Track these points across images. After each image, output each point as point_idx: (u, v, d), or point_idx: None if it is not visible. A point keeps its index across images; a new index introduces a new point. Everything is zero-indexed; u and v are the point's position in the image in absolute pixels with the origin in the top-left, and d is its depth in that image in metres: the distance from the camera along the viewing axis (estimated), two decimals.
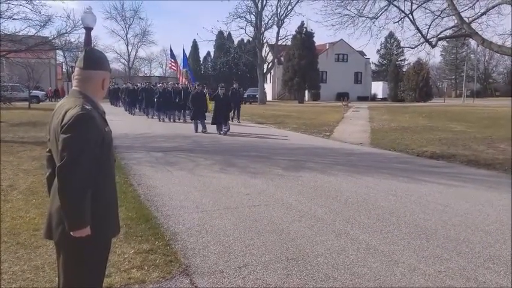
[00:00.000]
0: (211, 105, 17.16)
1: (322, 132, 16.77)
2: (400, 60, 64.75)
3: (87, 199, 2.21)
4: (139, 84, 28.55)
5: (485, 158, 10.21)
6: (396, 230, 5.00)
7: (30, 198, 6.01)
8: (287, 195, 6.60)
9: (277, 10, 46.40)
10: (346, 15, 15.68)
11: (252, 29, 47.33)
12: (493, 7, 13.31)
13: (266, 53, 49.20)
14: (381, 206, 5.99)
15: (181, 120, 21.37)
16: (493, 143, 12.84)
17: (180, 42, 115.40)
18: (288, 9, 46.14)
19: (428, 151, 11.36)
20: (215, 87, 22.05)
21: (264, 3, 46.05)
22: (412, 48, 15.37)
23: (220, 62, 62.06)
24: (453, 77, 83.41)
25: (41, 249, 4.16)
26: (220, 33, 57.08)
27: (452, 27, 14.89)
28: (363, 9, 15.41)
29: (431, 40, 14.59)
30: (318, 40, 53.61)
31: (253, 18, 46.49)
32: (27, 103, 29.90)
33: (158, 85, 22.96)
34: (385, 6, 14.98)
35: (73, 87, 2.48)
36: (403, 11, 14.66)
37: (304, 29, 50.81)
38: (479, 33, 13.47)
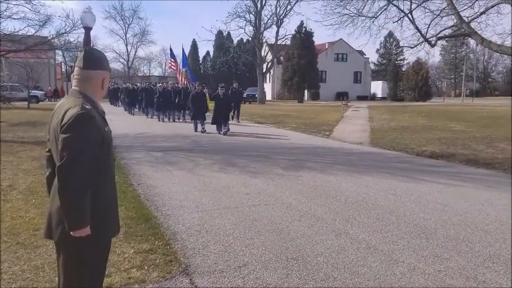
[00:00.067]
0: (211, 105, 17.13)
1: (322, 131, 16.77)
2: (400, 60, 64.80)
3: (87, 199, 2.21)
4: (138, 84, 28.55)
5: (485, 158, 10.22)
6: (396, 229, 5.00)
7: (30, 198, 6.01)
8: (287, 194, 6.60)
9: (276, 10, 46.47)
10: (345, 14, 15.69)
11: (251, 28, 47.37)
12: (492, 6, 13.32)
13: (265, 53, 49.18)
14: (381, 206, 5.99)
15: (180, 120, 21.37)
16: (492, 143, 12.84)
17: (180, 41, 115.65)
18: (287, 8, 46.20)
19: (427, 150, 11.36)
20: (215, 87, 22.07)
21: (263, 2, 46.08)
22: (411, 47, 15.37)
23: (220, 62, 62.01)
24: (452, 76, 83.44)
25: (41, 249, 4.16)
26: (220, 32, 57.06)
27: (452, 26, 14.90)
28: (362, 9, 15.42)
29: (430, 39, 14.59)
30: (318, 40, 53.71)
31: (252, 17, 46.54)
32: (27, 103, 29.88)
33: (158, 85, 22.96)
34: (385, 5, 14.99)
35: (73, 87, 2.48)
36: (402, 11, 14.66)
37: (304, 29, 50.82)
38: (479, 32, 13.47)
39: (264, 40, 48.78)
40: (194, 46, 67.23)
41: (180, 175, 7.98)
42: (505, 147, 11.77)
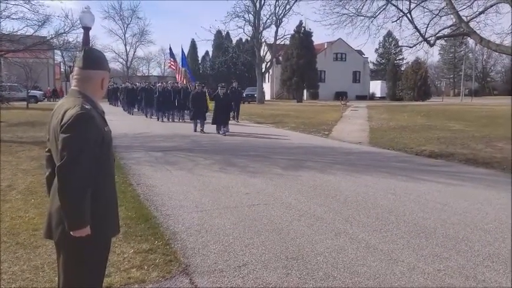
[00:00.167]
0: (211, 105, 17.10)
1: (321, 131, 16.78)
2: (399, 59, 64.86)
3: (87, 199, 2.21)
4: (138, 84, 28.53)
5: (484, 157, 10.23)
6: (395, 228, 5.01)
7: (29, 198, 6.01)
8: (286, 194, 6.60)
9: (275, 9, 46.35)
10: (344, 14, 15.73)
11: (250, 28, 47.27)
12: (491, 6, 13.35)
13: (264, 53, 49.15)
14: (380, 205, 6.00)
15: (180, 121, 21.32)
16: (491, 142, 12.86)
17: (179, 41, 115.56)
18: (286, 8, 46.07)
19: (426, 150, 11.37)
20: (214, 86, 22.03)
21: (262, 2, 45.99)
22: (410, 47, 15.41)
23: (219, 62, 62.02)
24: (451, 75, 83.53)
25: (41, 249, 4.16)
26: (219, 32, 57.05)
27: (451, 26, 14.93)
28: (361, 9, 15.45)
29: (429, 39, 14.62)
30: (316, 39, 53.70)
31: (251, 17, 46.45)
32: (25, 103, 29.85)
33: (158, 84, 22.95)
34: (384, 5, 15.02)
35: (72, 87, 2.48)
36: (401, 10, 14.69)
37: (303, 29, 50.79)
38: (478, 32, 13.50)
39: (263, 40, 48.73)
40: (193, 46, 67.21)
41: (179, 175, 7.98)
42: (504, 147, 11.79)
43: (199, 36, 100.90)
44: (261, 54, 47.71)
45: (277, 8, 46.14)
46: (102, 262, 2.49)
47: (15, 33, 16.20)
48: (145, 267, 3.83)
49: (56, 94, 46.90)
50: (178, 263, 3.95)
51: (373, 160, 10.10)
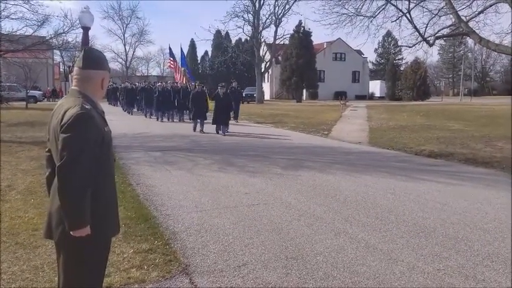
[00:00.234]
0: (211, 105, 17.07)
1: (321, 131, 16.78)
2: (398, 59, 64.88)
3: (87, 198, 2.22)
4: (137, 84, 28.51)
5: (483, 157, 10.24)
6: (395, 228, 5.01)
7: (29, 198, 6.01)
8: (286, 194, 6.60)
9: (274, 9, 46.38)
10: (343, 14, 15.72)
11: (249, 28, 47.28)
12: (490, 6, 13.36)
13: (264, 52, 49.16)
14: (380, 205, 6.00)
15: (180, 121, 21.27)
16: (490, 142, 12.87)
17: (178, 41, 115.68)
18: (286, 8, 46.05)
19: (426, 150, 11.38)
20: (213, 86, 22.00)
21: (262, 2, 46.02)
22: (409, 47, 15.41)
23: (218, 62, 62.00)
24: (451, 75, 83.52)
25: (40, 249, 4.16)
26: (218, 32, 57.04)
27: (450, 26, 14.93)
28: (361, 8, 15.45)
29: (428, 39, 14.62)
30: (316, 39, 53.72)
31: (250, 17, 46.45)
32: (25, 103, 29.83)
33: (157, 84, 22.94)
34: (383, 5, 15.02)
35: (72, 87, 2.48)
36: (400, 10, 14.70)
37: (302, 28, 50.77)
38: (477, 31, 13.51)
39: (262, 40, 48.75)
40: (192, 46, 67.23)
41: (179, 175, 7.98)
42: (503, 146, 11.80)
43: (199, 36, 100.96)
44: (260, 54, 47.73)
45: (277, 8, 46.20)
46: (102, 262, 2.49)
47: (14, 33, 16.21)
48: (145, 267, 3.83)
49: (55, 94, 46.90)
50: (178, 263, 3.95)
51: (373, 160, 10.11)
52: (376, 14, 15.29)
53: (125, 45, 71.27)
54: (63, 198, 2.19)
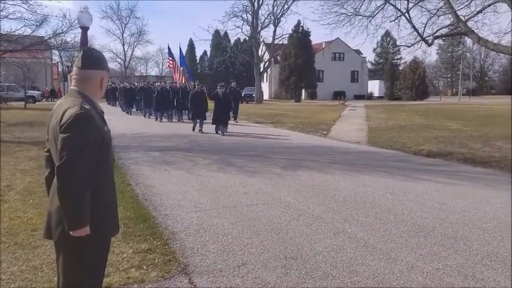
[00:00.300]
0: (211, 105, 17.05)
1: (319, 131, 16.79)
2: (397, 59, 64.91)
3: (86, 198, 2.21)
4: (136, 84, 28.47)
5: (482, 156, 10.25)
6: (394, 228, 5.01)
7: (28, 199, 6.00)
8: (285, 194, 6.60)
9: (273, 9, 46.41)
10: (342, 14, 15.74)
11: (248, 28, 47.29)
12: (489, 5, 13.38)
13: (263, 52, 49.17)
14: (379, 205, 6.01)
15: (179, 121, 21.26)
16: (489, 141, 12.89)
17: (177, 41, 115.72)
18: (285, 8, 46.10)
19: (425, 149, 11.39)
20: (212, 86, 21.97)
21: (261, 2, 46.02)
22: (408, 46, 15.45)
23: (217, 61, 61.95)
24: (449, 75, 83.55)
25: (39, 250, 4.16)
26: (217, 32, 57.09)
27: (449, 25, 14.95)
28: (360, 8, 15.47)
29: (427, 38, 14.65)
30: (315, 39, 53.76)
31: (249, 17, 46.47)
32: (23, 103, 29.78)
33: (156, 84, 22.91)
34: (382, 4, 15.04)
35: (71, 87, 2.48)
36: (399, 10, 14.72)
37: (301, 28, 50.80)
38: (475, 31, 13.54)
39: (261, 39, 48.76)
40: (191, 46, 67.19)
41: (178, 175, 7.97)
42: (502, 146, 11.81)
43: (197, 36, 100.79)
44: (259, 53, 47.74)
45: (275, 8, 46.23)
46: (101, 262, 2.48)
47: (12, 33, 16.17)
48: (144, 267, 3.82)
49: (54, 94, 46.85)
50: (177, 263, 3.95)
51: (372, 159, 10.11)
52: (375, 13, 15.33)
53: (123, 45, 71.32)
54: (62, 198, 2.19)
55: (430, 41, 14.79)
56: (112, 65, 68.44)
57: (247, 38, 51.10)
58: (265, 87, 57.29)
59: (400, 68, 59.47)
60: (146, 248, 4.26)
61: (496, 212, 5.68)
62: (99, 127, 2.34)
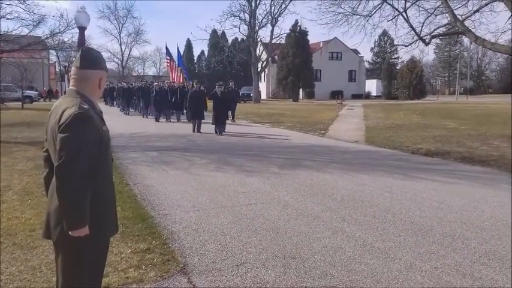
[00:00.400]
0: (210, 105, 17.02)
1: (317, 130, 16.80)
2: (394, 58, 64.99)
3: (85, 198, 2.21)
4: (134, 83, 28.41)
5: (480, 155, 10.28)
6: (392, 227, 5.02)
7: (26, 199, 5.99)
8: (283, 193, 6.61)
9: (271, 9, 46.43)
10: (340, 13, 15.77)
11: (246, 27, 47.33)
12: (486, 5, 13.41)
13: (260, 52, 49.15)
14: (377, 204, 6.02)
15: (178, 121, 21.23)
16: (487, 140, 12.91)
17: (174, 41, 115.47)
18: (282, 7, 46.17)
19: (423, 148, 11.41)
20: (209, 86, 21.94)
21: (258, 1, 46.02)
22: (405, 46, 15.47)
23: (215, 61, 61.90)
24: (446, 74, 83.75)
25: (38, 250, 4.15)
26: (214, 32, 56.98)
27: (446, 25, 15.00)
28: (357, 8, 15.50)
29: (424, 38, 14.68)
30: (312, 38, 53.86)
31: (247, 16, 46.48)
32: (20, 103, 29.70)
33: (154, 84, 22.87)
34: (379, 4, 15.07)
35: (70, 87, 2.47)
36: (396, 9, 14.74)
37: (298, 28, 50.88)
38: (473, 30, 13.57)
39: (258, 39, 48.75)
40: (189, 45, 67.07)
41: (176, 174, 7.97)
42: (500, 145, 11.84)
43: (195, 36, 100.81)
44: (257, 53, 47.73)
45: (273, 7, 46.28)
46: (100, 262, 2.48)
47: (10, 33, 16.13)
48: (143, 267, 3.82)
49: (51, 94, 46.75)
50: (176, 263, 3.95)
51: (370, 159, 10.13)
52: (373, 13, 15.35)
53: (120, 44, 71.21)
54: (61, 198, 2.19)
55: (427, 40, 14.82)
56: (109, 65, 68.35)
57: (244, 38, 51.11)
58: (263, 86, 57.34)
59: (398, 67, 59.53)
60: (145, 247, 4.26)
61: (494, 211, 5.70)
62: (98, 127, 2.34)
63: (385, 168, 8.81)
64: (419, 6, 14.68)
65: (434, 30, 14.91)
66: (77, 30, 13.37)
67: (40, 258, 3.97)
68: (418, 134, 14.59)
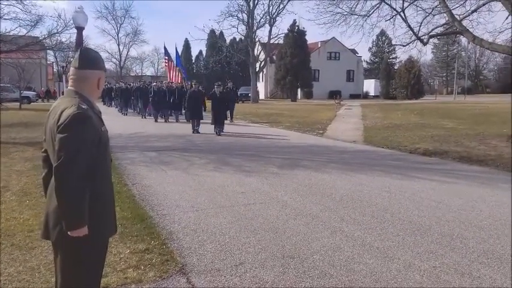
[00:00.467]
0: (208, 105, 16.99)
1: (316, 130, 16.82)
2: (392, 58, 65.06)
3: (84, 198, 2.21)
4: (132, 84, 28.36)
5: (477, 155, 10.30)
6: (391, 226, 5.03)
7: (24, 199, 5.98)
8: (282, 193, 6.61)
9: (269, 8, 46.48)
10: (338, 13, 15.80)
11: (244, 27, 47.33)
12: (484, 4, 13.45)
13: (258, 52, 49.17)
14: (375, 203, 6.03)
15: (176, 121, 21.20)
16: (484, 140, 12.94)
17: (172, 41, 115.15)
18: (280, 7, 46.20)
19: (421, 148, 11.43)
20: (207, 86, 21.91)
21: (256, 1, 46.06)
22: (403, 45, 15.51)
23: (213, 61, 61.91)
24: (444, 74, 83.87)
25: (36, 250, 4.15)
26: (212, 32, 56.96)
27: (444, 24, 15.03)
28: (355, 7, 15.53)
29: (422, 37, 14.71)
30: (310, 38, 53.77)
31: (245, 16, 46.51)
32: (18, 104, 29.64)
33: (153, 84, 22.84)
34: (377, 4, 15.09)
35: (68, 87, 2.47)
36: (394, 9, 14.77)
37: (296, 28, 50.86)
38: (470, 30, 13.60)
39: (256, 39, 48.78)
40: (187, 45, 66.98)
41: (174, 175, 7.97)
42: (498, 144, 11.87)
43: (193, 36, 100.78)
44: (255, 53, 47.75)
45: (271, 7, 46.32)
46: (99, 262, 2.48)
47: (7, 34, 16.10)
48: (142, 267, 3.82)
49: (49, 95, 46.67)
50: (175, 263, 3.95)
51: (368, 158, 10.14)
52: (371, 13, 15.38)
53: (118, 45, 71.19)
54: (60, 198, 2.18)
55: (425, 40, 14.85)
56: (107, 65, 68.19)
57: (242, 38, 51.11)
58: (261, 86, 57.34)
59: (396, 67, 59.58)
60: (144, 248, 4.25)
61: (492, 210, 5.71)
62: (97, 127, 2.34)
63: (383, 168, 8.82)
64: (417, 6, 14.72)
65: (432, 30, 14.96)
66: (75, 31, 13.36)
67: (39, 258, 3.96)
68: (416, 134, 14.62)
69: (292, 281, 3.63)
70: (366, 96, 60.43)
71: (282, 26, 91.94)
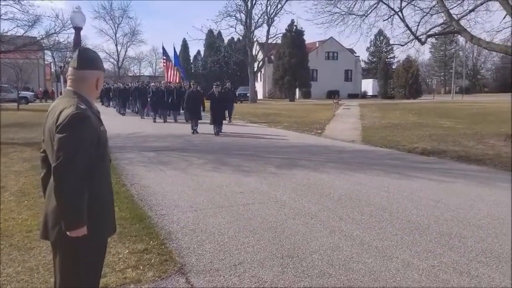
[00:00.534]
0: (207, 105, 16.98)
1: (314, 130, 16.82)
2: (390, 58, 65.06)
3: (83, 199, 2.21)
4: (130, 84, 28.33)
5: (476, 154, 10.32)
6: (389, 225, 5.04)
7: (22, 200, 5.97)
8: (280, 193, 6.62)
9: (267, 8, 46.47)
10: (336, 13, 15.81)
11: (242, 27, 47.33)
12: (481, 4, 13.48)
13: (256, 52, 49.22)
14: (374, 203, 6.03)
15: (174, 121, 21.19)
16: (482, 139, 12.97)
17: (170, 41, 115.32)
18: (278, 7, 46.19)
19: (419, 147, 11.45)
20: (205, 86, 21.92)
21: (254, 1, 46.07)
22: (401, 45, 15.54)
23: (211, 61, 61.84)
24: (442, 73, 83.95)
25: (35, 251, 4.14)
26: (210, 32, 56.95)
27: (441, 24, 15.06)
28: (353, 7, 15.54)
29: (420, 37, 14.74)
30: (308, 38, 53.85)
31: (243, 16, 46.50)
32: (16, 104, 29.59)
33: (151, 84, 22.82)
34: (375, 3, 15.11)
35: (67, 87, 2.47)
36: (392, 9, 14.79)
37: (294, 27, 50.88)
38: (468, 30, 13.63)
39: (254, 39, 48.81)
40: (185, 45, 66.93)
41: (173, 175, 7.96)
42: (495, 143, 11.90)
43: (191, 36, 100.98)
44: (253, 53, 47.79)
45: (269, 7, 46.31)
46: (98, 262, 2.48)
47: (5, 34, 16.07)
48: (141, 267, 3.82)
49: (47, 95, 46.59)
50: (174, 263, 3.95)
51: (366, 158, 10.15)
52: (368, 12, 15.40)
53: (116, 45, 71.10)
54: (59, 198, 2.18)
55: (423, 40, 14.88)
56: (105, 65, 67.52)
57: (241, 38, 51.07)
58: (259, 86, 57.33)
59: (394, 67, 59.57)
60: (142, 248, 4.25)
61: (490, 209, 5.73)
62: (95, 127, 2.34)
63: (382, 167, 8.83)
64: (415, 6, 14.76)
65: (430, 29, 14.99)
66: (73, 31, 13.32)
67: (37, 259, 3.96)
68: (414, 133, 14.64)
69: (291, 280, 3.63)
70: (364, 95, 60.46)
71: (280, 26, 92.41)
